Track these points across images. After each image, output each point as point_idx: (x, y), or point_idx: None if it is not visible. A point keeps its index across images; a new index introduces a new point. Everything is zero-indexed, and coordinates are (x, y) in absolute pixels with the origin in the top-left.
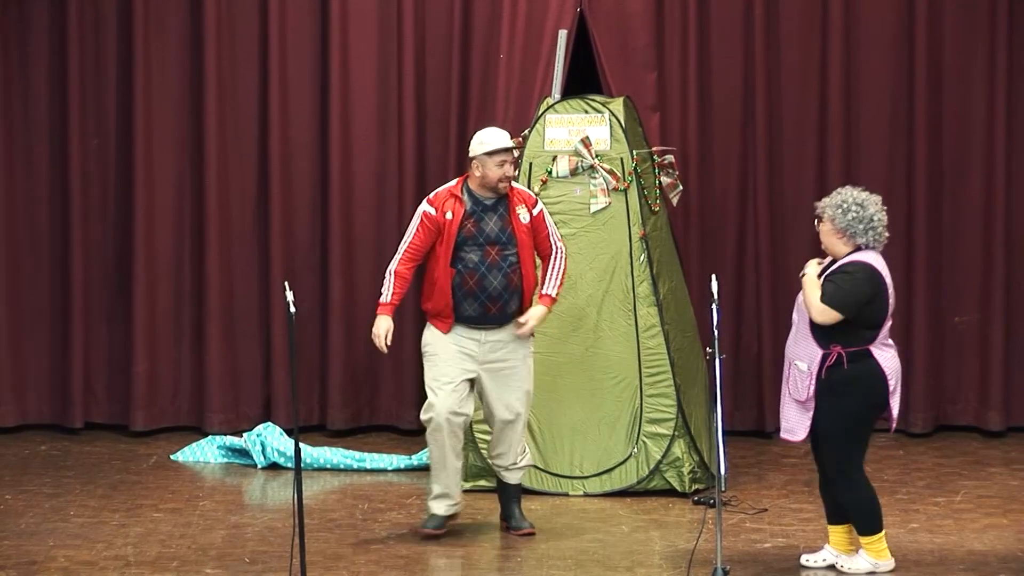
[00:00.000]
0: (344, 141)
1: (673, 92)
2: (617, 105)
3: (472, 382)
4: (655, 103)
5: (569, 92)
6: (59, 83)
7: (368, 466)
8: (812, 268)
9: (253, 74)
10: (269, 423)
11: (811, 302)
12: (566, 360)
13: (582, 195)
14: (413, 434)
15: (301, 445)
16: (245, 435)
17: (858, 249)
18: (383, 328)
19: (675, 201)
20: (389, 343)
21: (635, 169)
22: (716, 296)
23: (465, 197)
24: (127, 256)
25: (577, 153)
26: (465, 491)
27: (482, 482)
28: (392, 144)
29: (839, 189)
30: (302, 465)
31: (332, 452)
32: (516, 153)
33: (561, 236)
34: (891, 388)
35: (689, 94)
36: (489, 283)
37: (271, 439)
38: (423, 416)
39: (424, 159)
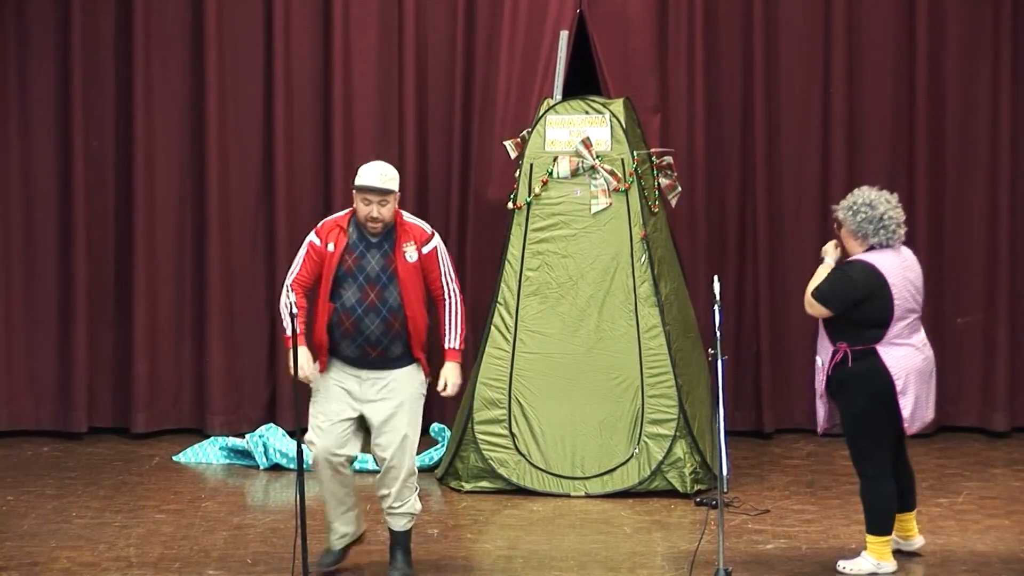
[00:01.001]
0: (346, 141)
1: (676, 93)
2: (618, 106)
3: (359, 420)
4: (655, 104)
5: (568, 93)
6: (60, 85)
7: (370, 467)
8: (830, 256)
9: (255, 75)
10: (271, 424)
11: (807, 291)
12: (567, 361)
13: (583, 196)
14: None
15: (303, 446)
16: (247, 436)
17: (871, 249)
18: (302, 358)
19: (674, 202)
20: (310, 372)
21: (636, 170)
22: (719, 297)
23: (351, 230)
24: (128, 258)
25: (578, 154)
26: (465, 492)
27: (483, 483)
28: (393, 145)
29: (855, 190)
30: (304, 466)
31: None
32: (394, 198)
33: (456, 277)
34: (898, 388)
35: (694, 95)
36: (366, 327)
37: (273, 440)
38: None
39: (426, 160)
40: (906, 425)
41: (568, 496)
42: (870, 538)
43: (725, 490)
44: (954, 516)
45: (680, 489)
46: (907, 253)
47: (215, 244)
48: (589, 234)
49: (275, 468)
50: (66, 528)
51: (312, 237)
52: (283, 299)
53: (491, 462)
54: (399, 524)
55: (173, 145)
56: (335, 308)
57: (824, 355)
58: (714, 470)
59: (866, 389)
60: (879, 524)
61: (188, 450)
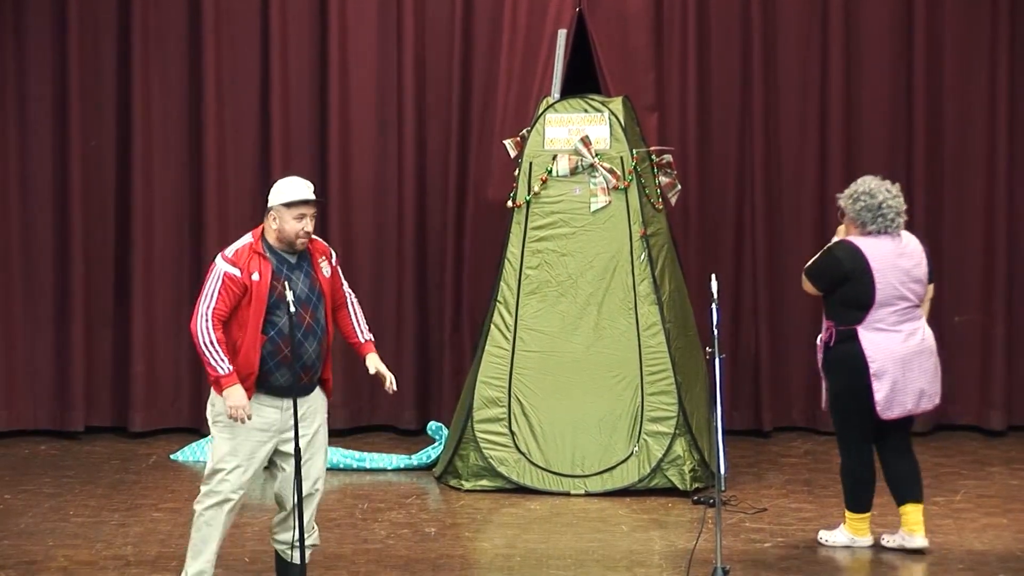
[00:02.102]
0: (343, 141)
1: (672, 92)
2: (616, 104)
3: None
4: (653, 103)
5: (567, 92)
6: (58, 85)
7: (368, 465)
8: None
9: (252, 75)
10: None
11: (805, 268)
12: (567, 359)
13: (582, 194)
14: (412, 434)
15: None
16: None
17: (868, 235)
18: (243, 399)
19: (673, 200)
20: (250, 413)
21: (635, 168)
22: (716, 296)
23: (268, 254)
24: (126, 257)
25: (577, 152)
26: (465, 491)
27: (483, 482)
28: (392, 144)
29: (859, 179)
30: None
31: (332, 451)
32: (315, 210)
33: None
34: (871, 371)
35: (688, 93)
36: (305, 351)
37: None
38: (205, 499)
39: (424, 159)
40: (879, 409)
41: (568, 494)
42: (847, 514)
43: (723, 489)
44: (951, 515)
45: (680, 487)
46: (908, 241)
47: (212, 243)
48: (588, 232)
49: (272, 466)
50: (63, 527)
51: (227, 268)
52: (205, 335)
53: (491, 461)
54: (306, 556)
55: (171, 145)
56: (269, 338)
57: (823, 333)
58: (712, 468)
59: (841, 370)
60: (851, 501)
61: (185, 448)
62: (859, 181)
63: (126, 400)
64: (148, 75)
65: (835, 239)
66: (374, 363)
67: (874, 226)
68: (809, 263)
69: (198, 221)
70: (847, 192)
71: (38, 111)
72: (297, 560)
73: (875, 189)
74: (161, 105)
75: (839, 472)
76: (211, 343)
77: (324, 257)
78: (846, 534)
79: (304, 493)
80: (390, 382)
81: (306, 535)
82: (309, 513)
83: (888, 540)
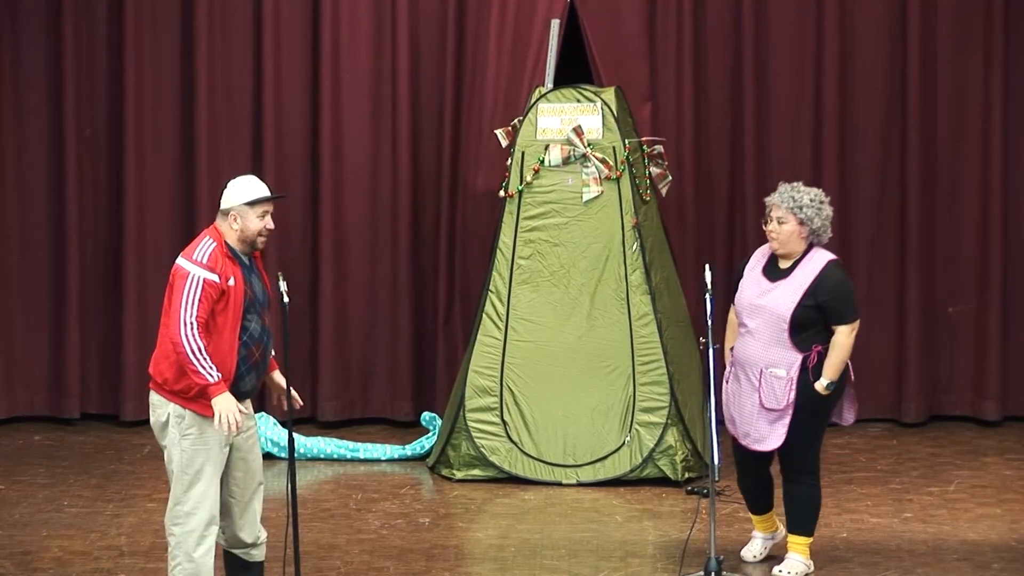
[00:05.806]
0: (336, 132)
1: (666, 82)
2: (609, 94)
3: None
4: (646, 93)
5: (560, 81)
6: (53, 74)
7: (362, 456)
8: (821, 385)
9: (245, 64)
10: (263, 412)
11: (848, 345)
12: (559, 349)
13: (574, 184)
14: (407, 426)
15: (294, 435)
16: None
17: (811, 247)
18: (235, 403)
19: (664, 191)
20: (239, 417)
21: (627, 158)
22: (710, 286)
23: (236, 258)
24: (119, 246)
25: (569, 142)
26: (457, 480)
27: (475, 471)
28: (385, 136)
29: (791, 188)
30: (295, 455)
31: (326, 442)
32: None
33: None
34: (851, 376)
35: (682, 83)
36: (267, 353)
37: (264, 429)
38: (187, 519)
39: (417, 150)
40: (854, 416)
41: (560, 484)
42: (800, 540)
43: (717, 479)
44: (946, 504)
45: (671, 476)
46: None
47: None
48: (581, 222)
49: (266, 456)
50: (58, 517)
51: (206, 274)
52: (193, 343)
53: (483, 450)
54: (263, 552)
55: (164, 135)
56: (243, 342)
57: (786, 365)
58: (705, 459)
59: (839, 383)
60: (813, 523)
61: None
62: (799, 190)
63: (118, 389)
64: (141, 63)
65: (776, 248)
66: (282, 382)
67: (827, 236)
68: (851, 312)
69: (191, 211)
70: (808, 200)
71: (32, 100)
72: (260, 557)
73: (822, 196)
74: (155, 96)
75: (811, 498)
76: (200, 351)
77: (260, 259)
78: (802, 559)
79: (256, 485)
80: (300, 401)
81: (259, 532)
82: (259, 509)
83: (747, 554)
